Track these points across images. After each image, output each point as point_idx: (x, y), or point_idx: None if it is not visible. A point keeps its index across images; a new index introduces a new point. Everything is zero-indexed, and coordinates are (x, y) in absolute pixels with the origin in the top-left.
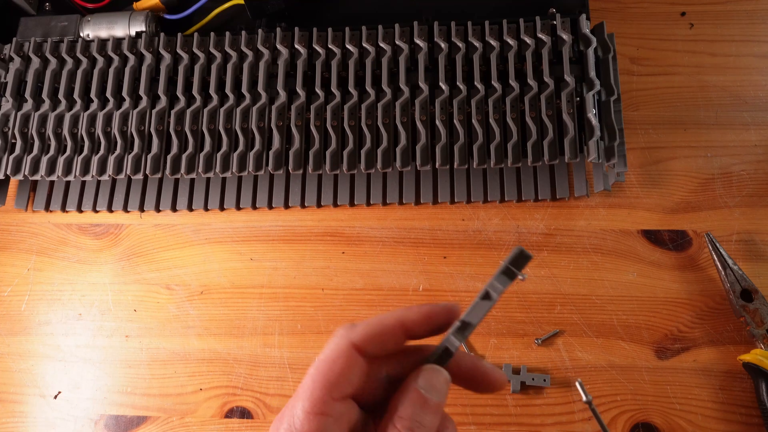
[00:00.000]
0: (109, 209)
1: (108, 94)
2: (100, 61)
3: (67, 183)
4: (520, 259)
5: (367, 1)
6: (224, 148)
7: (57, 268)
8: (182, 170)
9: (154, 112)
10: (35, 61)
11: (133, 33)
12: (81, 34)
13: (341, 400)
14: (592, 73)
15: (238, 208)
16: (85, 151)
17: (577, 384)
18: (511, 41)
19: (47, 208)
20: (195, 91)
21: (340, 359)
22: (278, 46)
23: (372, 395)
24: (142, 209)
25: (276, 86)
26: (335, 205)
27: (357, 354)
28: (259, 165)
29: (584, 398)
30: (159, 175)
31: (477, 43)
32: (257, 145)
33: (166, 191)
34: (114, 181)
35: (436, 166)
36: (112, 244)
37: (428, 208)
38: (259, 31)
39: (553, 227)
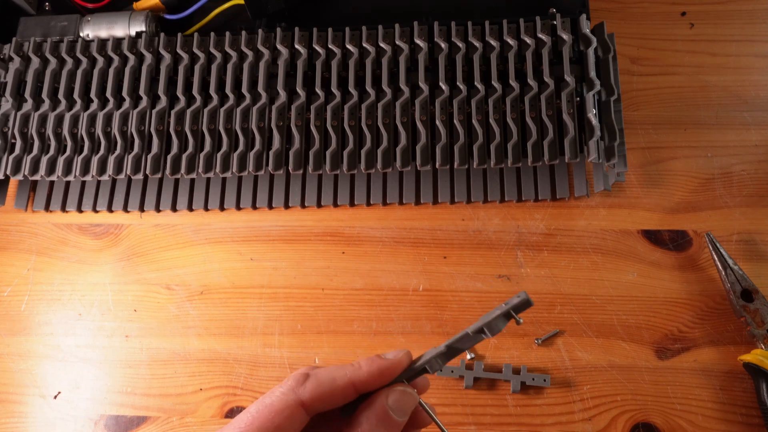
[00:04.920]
0: (109, 209)
1: (108, 94)
2: (100, 61)
3: (67, 183)
4: (523, 306)
5: (367, 1)
6: (224, 148)
7: (57, 268)
8: (182, 170)
9: (154, 112)
10: (35, 61)
11: (133, 33)
12: (81, 34)
13: None
14: (592, 73)
15: (238, 208)
16: (85, 151)
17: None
18: (511, 41)
19: (47, 208)
20: (195, 91)
21: (282, 413)
22: (278, 46)
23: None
24: (142, 209)
25: (276, 86)
26: (335, 205)
27: (301, 411)
28: (259, 165)
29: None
30: (159, 175)
31: (477, 43)
32: (257, 145)
33: (166, 191)
34: (114, 181)
35: (437, 166)
36: (112, 244)
37: (428, 208)
38: (259, 31)
39: (553, 227)
